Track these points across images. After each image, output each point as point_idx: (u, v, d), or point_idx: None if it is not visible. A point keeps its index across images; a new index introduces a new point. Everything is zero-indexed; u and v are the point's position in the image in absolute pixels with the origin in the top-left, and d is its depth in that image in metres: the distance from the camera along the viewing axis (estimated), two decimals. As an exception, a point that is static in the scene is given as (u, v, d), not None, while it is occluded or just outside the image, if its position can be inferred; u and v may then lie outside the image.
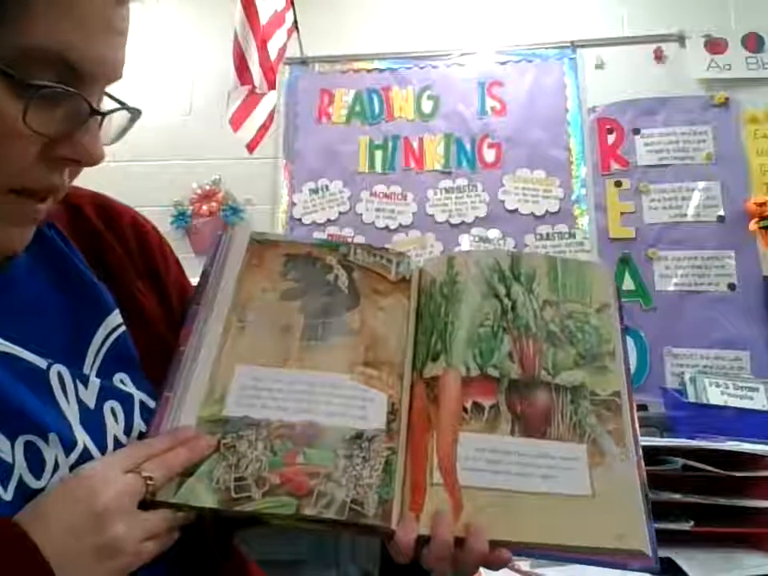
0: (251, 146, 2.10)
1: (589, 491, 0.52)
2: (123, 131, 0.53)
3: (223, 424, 0.53)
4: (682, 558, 0.83)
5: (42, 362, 0.49)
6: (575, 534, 0.50)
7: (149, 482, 0.47)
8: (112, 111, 0.50)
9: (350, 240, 2.33)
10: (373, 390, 0.56)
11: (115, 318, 0.57)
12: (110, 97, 0.51)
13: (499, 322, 0.60)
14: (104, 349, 0.55)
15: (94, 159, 0.48)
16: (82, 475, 0.46)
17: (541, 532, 0.50)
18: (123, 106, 0.51)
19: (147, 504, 0.47)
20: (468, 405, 0.55)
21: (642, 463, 0.54)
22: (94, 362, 0.54)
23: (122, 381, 0.55)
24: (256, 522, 0.51)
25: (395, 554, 0.50)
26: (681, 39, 2.37)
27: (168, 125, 2.53)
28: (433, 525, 0.50)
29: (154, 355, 0.58)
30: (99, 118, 0.48)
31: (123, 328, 0.57)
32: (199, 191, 2.47)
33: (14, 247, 0.50)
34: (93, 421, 0.51)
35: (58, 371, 0.50)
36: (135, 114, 0.53)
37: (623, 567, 0.51)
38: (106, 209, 0.64)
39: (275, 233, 2.35)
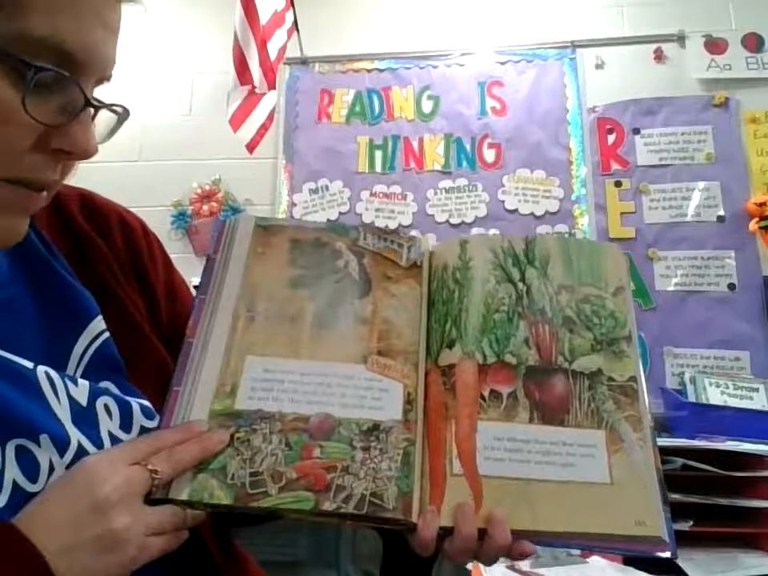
0: (251, 146, 2.10)
1: (607, 478, 0.51)
2: (112, 131, 0.52)
3: (235, 417, 0.51)
4: (682, 557, 0.84)
5: (27, 363, 0.48)
6: (595, 522, 0.49)
7: (155, 475, 0.46)
8: (105, 105, 0.50)
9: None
10: (388, 379, 0.55)
11: (98, 324, 0.55)
12: (97, 100, 0.50)
13: (514, 308, 0.58)
14: (87, 356, 0.54)
15: (88, 152, 0.47)
16: (84, 467, 0.45)
17: (561, 521, 0.49)
18: (106, 105, 0.50)
19: (159, 501, 0.46)
20: (485, 393, 0.54)
21: (657, 449, 0.54)
22: (76, 370, 0.53)
23: (108, 389, 0.53)
24: (268, 516, 0.50)
25: (417, 547, 0.49)
26: (681, 39, 2.37)
27: (168, 125, 2.53)
28: (456, 518, 0.49)
29: (139, 359, 0.57)
30: (92, 111, 0.48)
31: (107, 334, 0.55)
32: (199, 191, 2.46)
33: (10, 238, 0.49)
34: (86, 419, 0.49)
35: (45, 370, 0.48)
36: (123, 114, 0.52)
37: (641, 554, 0.51)
38: (92, 207, 0.63)
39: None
